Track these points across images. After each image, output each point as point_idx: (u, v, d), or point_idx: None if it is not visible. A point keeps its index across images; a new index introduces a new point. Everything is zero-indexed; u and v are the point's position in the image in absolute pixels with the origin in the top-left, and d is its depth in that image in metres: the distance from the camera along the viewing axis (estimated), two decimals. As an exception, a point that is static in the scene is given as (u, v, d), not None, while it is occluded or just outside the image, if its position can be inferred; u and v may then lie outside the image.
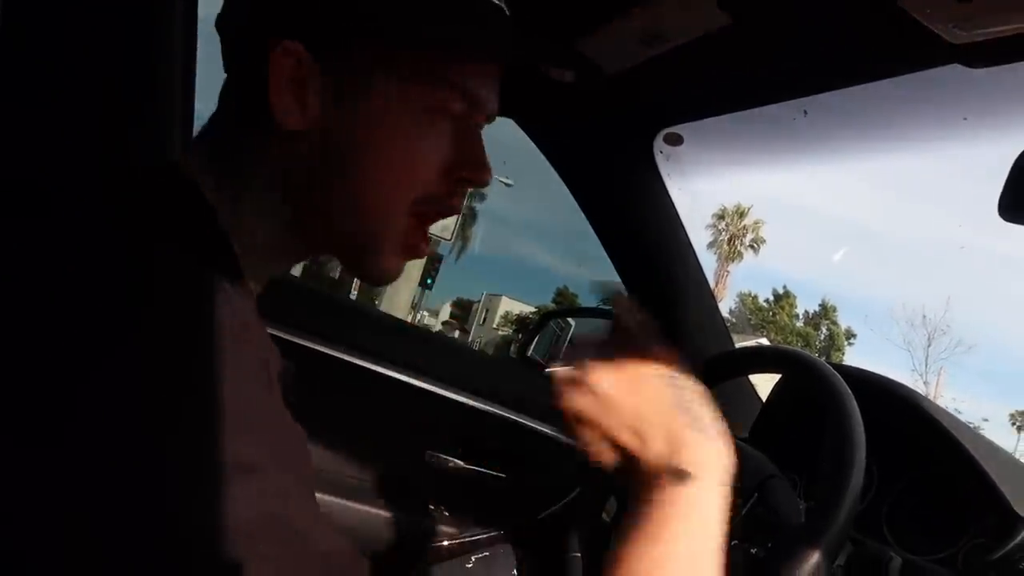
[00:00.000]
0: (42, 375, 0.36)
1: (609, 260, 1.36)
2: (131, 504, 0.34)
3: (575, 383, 0.55)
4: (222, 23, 0.54)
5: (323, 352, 1.15)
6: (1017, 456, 1.02)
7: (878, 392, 0.99)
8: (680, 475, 0.52)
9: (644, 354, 0.57)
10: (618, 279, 1.37)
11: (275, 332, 1.11)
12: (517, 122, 1.24)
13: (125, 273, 0.40)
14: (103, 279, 0.39)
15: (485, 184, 0.56)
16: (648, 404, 0.54)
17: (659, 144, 1.20)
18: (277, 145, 0.51)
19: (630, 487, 0.55)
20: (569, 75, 0.74)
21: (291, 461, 0.40)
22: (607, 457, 0.55)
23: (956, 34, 0.68)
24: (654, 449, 0.53)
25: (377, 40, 0.49)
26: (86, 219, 0.43)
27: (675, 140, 1.18)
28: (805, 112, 0.97)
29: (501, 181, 21.78)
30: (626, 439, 0.54)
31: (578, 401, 0.55)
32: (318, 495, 0.44)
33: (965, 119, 0.89)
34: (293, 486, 0.39)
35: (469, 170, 0.54)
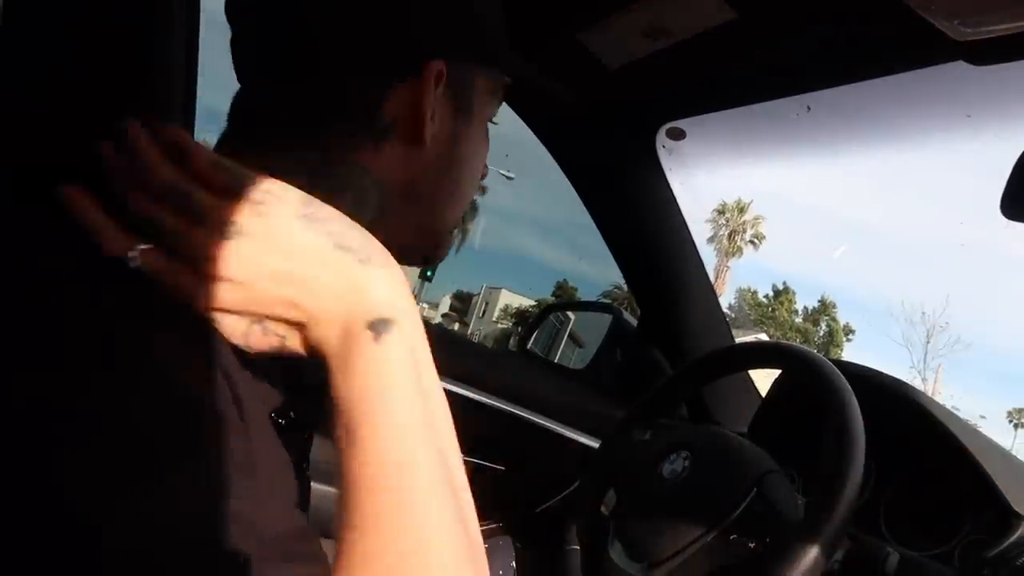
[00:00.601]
0: (28, 393, 0.36)
1: (610, 254, 1.36)
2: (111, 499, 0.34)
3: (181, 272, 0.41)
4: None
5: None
6: (1014, 453, 1.03)
7: (877, 388, 0.99)
8: (378, 326, 0.40)
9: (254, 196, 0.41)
10: (619, 272, 1.37)
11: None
12: (520, 116, 1.24)
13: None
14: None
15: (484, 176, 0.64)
16: (290, 259, 0.40)
17: (661, 139, 1.20)
18: (393, 153, 0.52)
19: (322, 371, 0.41)
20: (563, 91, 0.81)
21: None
22: (270, 343, 0.42)
23: (961, 31, 0.68)
24: (326, 311, 0.40)
25: (490, 68, 0.57)
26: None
27: (677, 135, 1.18)
28: (808, 108, 0.96)
29: (502, 174, 21.75)
30: (284, 312, 0.41)
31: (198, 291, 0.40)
32: (319, 486, 0.44)
33: (968, 116, 0.89)
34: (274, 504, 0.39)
35: (484, 174, 0.61)
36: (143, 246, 0.40)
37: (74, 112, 0.66)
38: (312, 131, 0.51)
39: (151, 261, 0.40)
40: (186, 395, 0.37)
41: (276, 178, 0.42)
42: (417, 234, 0.57)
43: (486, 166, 0.62)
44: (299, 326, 0.41)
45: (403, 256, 0.53)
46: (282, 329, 0.41)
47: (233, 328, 0.41)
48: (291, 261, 0.40)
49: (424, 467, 0.40)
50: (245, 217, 0.40)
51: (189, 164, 0.42)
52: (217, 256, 0.40)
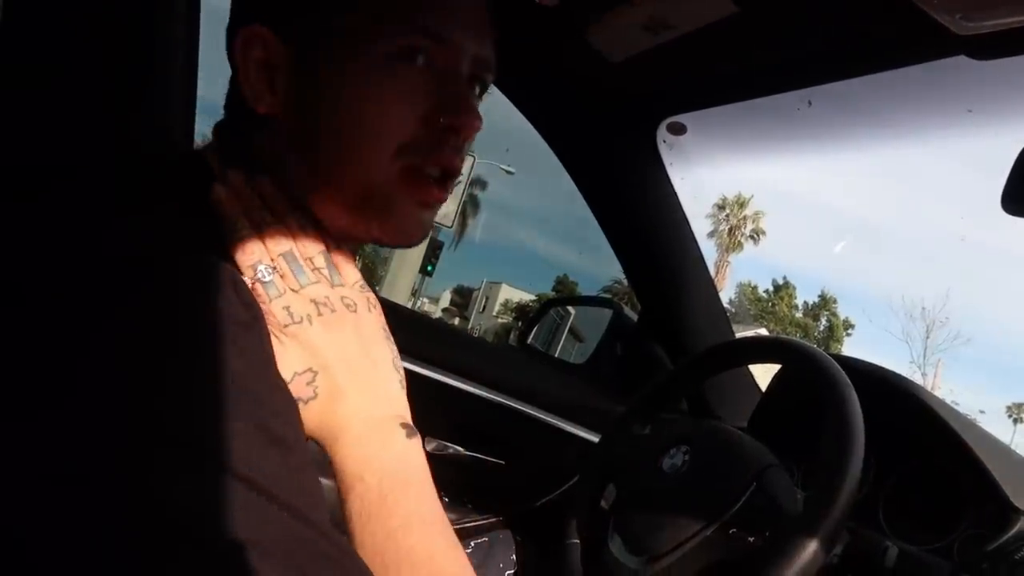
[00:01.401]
0: (45, 356, 0.36)
1: (610, 249, 1.36)
2: (124, 481, 0.34)
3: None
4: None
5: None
6: (1014, 448, 1.03)
7: (877, 383, 0.99)
8: (408, 430, 0.50)
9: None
10: (619, 267, 1.37)
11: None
12: (520, 110, 1.24)
13: (137, 258, 0.41)
14: (117, 261, 0.40)
15: (469, 130, 0.54)
16: (364, 355, 0.50)
17: (662, 133, 1.20)
18: (260, 130, 0.53)
19: (331, 446, 0.49)
20: None
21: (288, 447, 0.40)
22: (302, 393, 0.48)
23: (963, 25, 0.67)
24: (369, 402, 0.49)
25: (335, 8, 0.51)
26: (97, 206, 0.43)
27: (678, 129, 1.18)
28: (809, 103, 0.96)
29: (503, 169, 21.72)
30: (334, 380, 0.48)
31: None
32: (325, 481, 0.44)
33: (969, 111, 0.88)
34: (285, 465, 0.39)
35: (449, 115, 0.52)
36: (275, 270, 0.48)
37: (76, 109, 0.66)
38: (231, 121, 0.55)
39: (278, 284, 0.48)
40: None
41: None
42: (343, 203, 0.53)
43: (447, 119, 0.52)
44: (337, 398, 0.48)
45: (368, 236, 0.54)
46: (323, 391, 0.48)
47: (289, 362, 0.47)
48: (367, 353, 0.50)
49: (451, 544, 0.48)
50: (355, 300, 0.51)
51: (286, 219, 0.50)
52: (323, 312, 0.48)
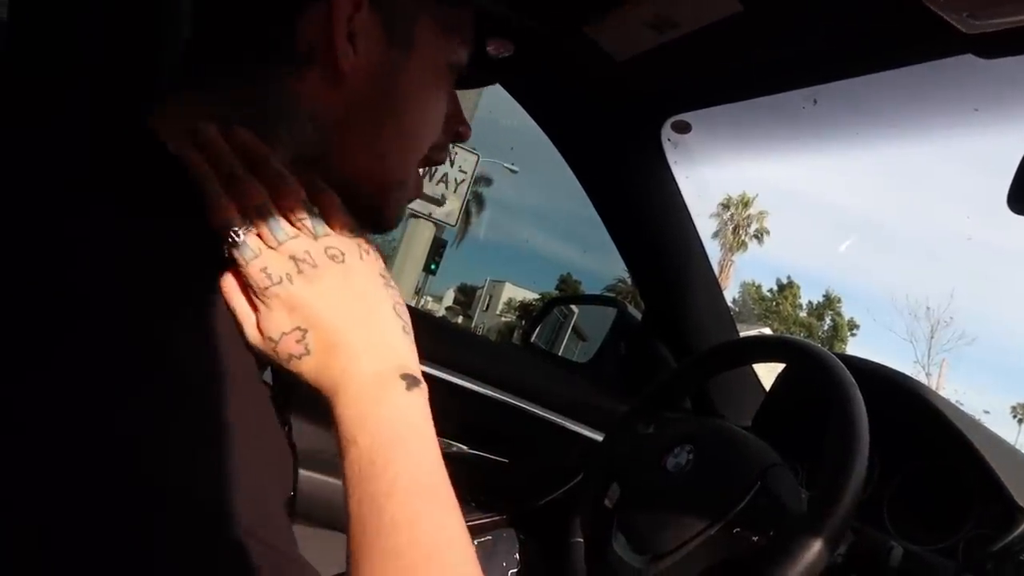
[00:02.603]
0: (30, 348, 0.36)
1: (614, 248, 1.36)
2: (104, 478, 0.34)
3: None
4: None
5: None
6: (1018, 448, 1.02)
7: (882, 382, 0.99)
8: (409, 381, 0.47)
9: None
10: (623, 266, 1.37)
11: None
12: (524, 108, 1.24)
13: (129, 245, 0.40)
14: (104, 246, 0.40)
15: (467, 138, 0.61)
16: (360, 301, 0.47)
17: (667, 132, 1.20)
18: (316, 85, 0.51)
19: (330, 401, 0.46)
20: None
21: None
22: (292, 351, 0.46)
23: (970, 23, 0.67)
24: (368, 354, 0.46)
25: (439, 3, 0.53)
26: (75, 192, 0.42)
27: (683, 128, 1.18)
28: (815, 101, 0.96)
29: (507, 167, 21.71)
30: (327, 336, 0.46)
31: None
32: (327, 478, 0.45)
33: (976, 110, 0.88)
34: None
35: (460, 123, 0.59)
36: (250, 228, 0.45)
37: (86, 94, 0.65)
38: (235, 67, 0.51)
39: (252, 244, 0.45)
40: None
41: (215, 120, 0.47)
42: (364, 178, 0.54)
43: (460, 128, 0.59)
44: (331, 352, 0.45)
45: (366, 208, 0.54)
46: (315, 347, 0.45)
47: (275, 323, 0.45)
48: (360, 303, 0.47)
49: (438, 508, 0.44)
50: (343, 249, 0.47)
51: (264, 169, 0.47)
52: (303, 269, 0.45)
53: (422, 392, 0.48)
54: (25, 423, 0.35)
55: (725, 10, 0.82)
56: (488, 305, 36.86)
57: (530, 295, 34.38)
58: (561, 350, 1.75)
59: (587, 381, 1.45)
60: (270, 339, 0.45)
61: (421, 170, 0.60)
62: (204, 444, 0.37)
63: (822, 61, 0.90)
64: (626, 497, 0.94)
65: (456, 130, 0.59)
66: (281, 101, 0.51)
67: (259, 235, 0.45)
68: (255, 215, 0.45)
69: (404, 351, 0.48)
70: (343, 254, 0.47)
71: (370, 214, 0.55)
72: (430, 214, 8.68)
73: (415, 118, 0.55)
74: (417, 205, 8.60)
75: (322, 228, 0.48)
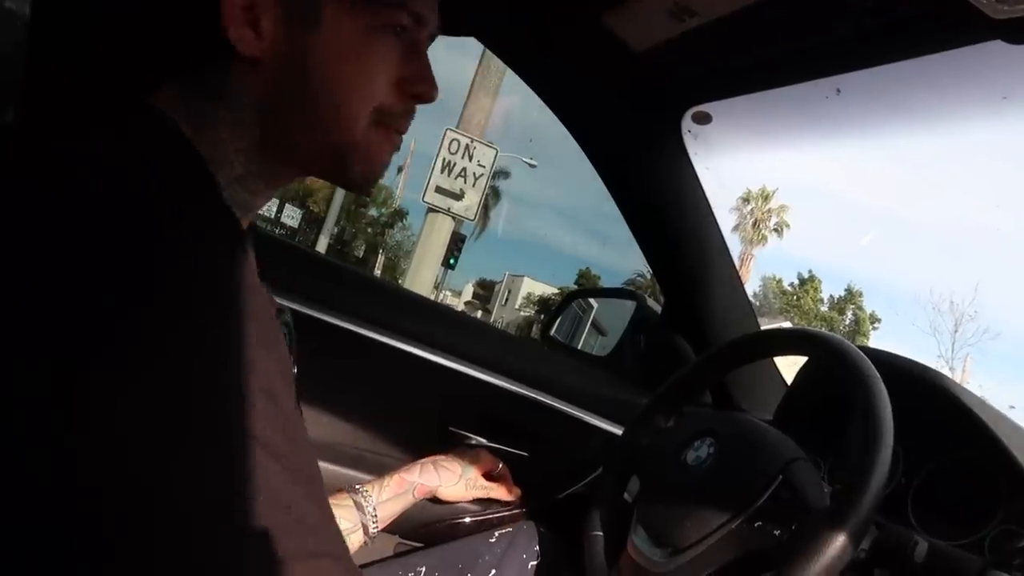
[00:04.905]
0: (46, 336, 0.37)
1: (633, 241, 1.35)
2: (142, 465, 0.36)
3: None
4: None
5: (350, 330, 1.17)
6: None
7: (905, 375, 0.98)
8: None
9: None
10: (642, 260, 1.36)
11: (303, 309, 1.12)
12: (543, 100, 1.23)
13: (125, 227, 0.41)
14: (100, 231, 0.40)
15: (433, 99, 0.60)
16: None
17: (687, 123, 1.18)
18: (240, 73, 0.53)
19: None
20: None
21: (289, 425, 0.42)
22: None
23: (999, 8, 0.65)
24: None
25: None
26: (72, 168, 0.43)
27: (704, 119, 1.16)
28: (838, 91, 0.94)
29: (525, 162, 21.68)
30: None
31: None
32: (346, 471, 0.45)
33: (1005, 98, 0.86)
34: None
35: (418, 85, 0.58)
36: None
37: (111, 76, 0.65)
38: (171, 68, 0.54)
39: None
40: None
41: (161, 120, 0.51)
42: (316, 152, 0.57)
43: (419, 89, 0.58)
44: None
45: (329, 175, 0.59)
46: None
47: None
48: None
49: None
50: None
51: None
52: None
53: None
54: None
55: (746, -2, 0.81)
56: (507, 299, 36.88)
57: (549, 289, 34.35)
58: (580, 343, 1.75)
59: (606, 374, 1.44)
60: None
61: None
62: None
63: (846, 50, 0.88)
64: (646, 491, 0.94)
65: (413, 92, 0.58)
66: (219, 93, 0.54)
67: None
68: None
69: None
70: None
71: (342, 181, 0.59)
72: (449, 208, 8.68)
73: (341, 87, 0.55)
74: (436, 200, 8.60)
75: None
